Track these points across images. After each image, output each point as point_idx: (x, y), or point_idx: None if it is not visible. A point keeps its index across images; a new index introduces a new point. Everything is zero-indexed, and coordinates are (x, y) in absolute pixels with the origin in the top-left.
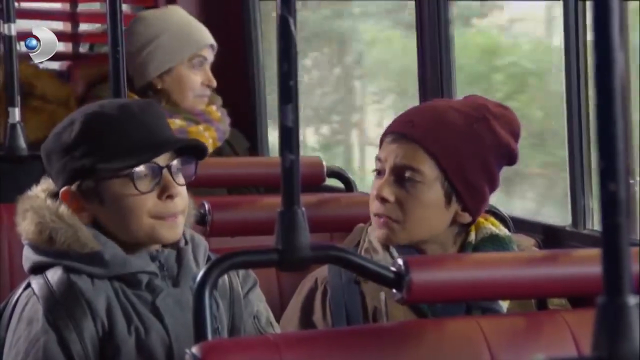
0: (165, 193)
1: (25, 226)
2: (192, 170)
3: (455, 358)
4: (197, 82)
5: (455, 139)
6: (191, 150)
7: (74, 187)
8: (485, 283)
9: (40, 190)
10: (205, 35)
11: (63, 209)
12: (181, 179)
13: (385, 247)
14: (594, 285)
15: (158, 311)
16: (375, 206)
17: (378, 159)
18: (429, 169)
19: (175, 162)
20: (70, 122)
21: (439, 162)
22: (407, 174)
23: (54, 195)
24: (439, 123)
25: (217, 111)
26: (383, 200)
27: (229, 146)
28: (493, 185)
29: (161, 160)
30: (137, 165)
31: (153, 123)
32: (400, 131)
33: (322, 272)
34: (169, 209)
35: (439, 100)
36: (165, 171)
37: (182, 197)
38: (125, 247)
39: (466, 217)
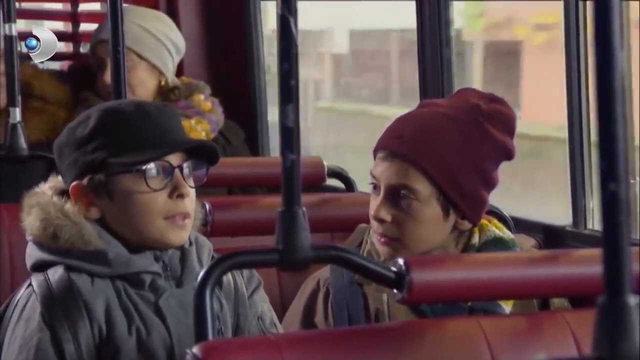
0: (175, 192)
1: (30, 222)
2: (203, 174)
3: (455, 358)
4: (103, 84)
5: (447, 151)
6: (203, 154)
7: (84, 181)
8: (485, 283)
9: (48, 187)
10: (95, 32)
11: (69, 206)
12: (192, 182)
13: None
14: (594, 285)
15: (160, 311)
16: (374, 225)
17: (372, 175)
18: (422, 187)
19: (186, 164)
20: (86, 117)
21: (433, 178)
22: (402, 192)
23: (61, 193)
24: (429, 136)
25: (206, 101)
26: (381, 221)
27: (222, 137)
28: (491, 187)
29: (173, 159)
30: (149, 161)
31: (168, 124)
32: (391, 148)
33: (324, 273)
34: (179, 207)
35: (430, 105)
36: (177, 171)
37: (191, 199)
38: (130, 246)
39: (466, 225)
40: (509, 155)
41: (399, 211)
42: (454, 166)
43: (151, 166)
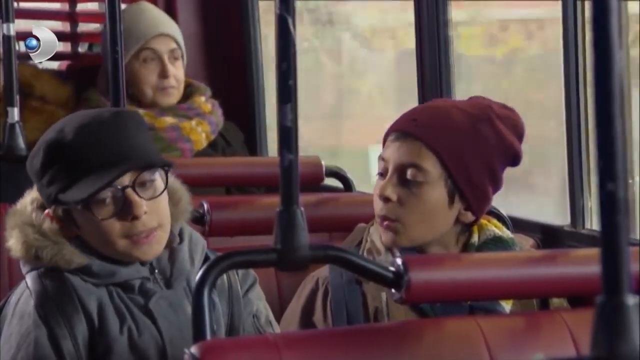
0: (129, 215)
1: (13, 244)
2: (165, 179)
3: (454, 358)
4: (149, 77)
5: (459, 137)
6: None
7: (51, 211)
8: (484, 283)
9: (29, 201)
10: (150, 27)
11: (47, 224)
12: (150, 193)
13: (388, 248)
14: (592, 285)
15: (151, 314)
16: (378, 206)
17: (381, 158)
18: (432, 167)
19: (142, 176)
20: (38, 147)
21: (443, 160)
22: (411, 172)
23: (43, 206)
24: (442, 121)
25: (207, 103)
26: (386, 199)
27: (222, 139)
28: (496, 186)
29: (123, 179)
30: (91, 197)
31: (112, 139)
32: (403, 129)
33: (323, 272)
34: (137, 228)
35: (442, 100)
36: (128, 191)
37: (154, 213)
38: (112, 258)
39: (469, 217)
40: (516, 158)
41: (406, 190)
42: (464, 153)
43: (97, 198)
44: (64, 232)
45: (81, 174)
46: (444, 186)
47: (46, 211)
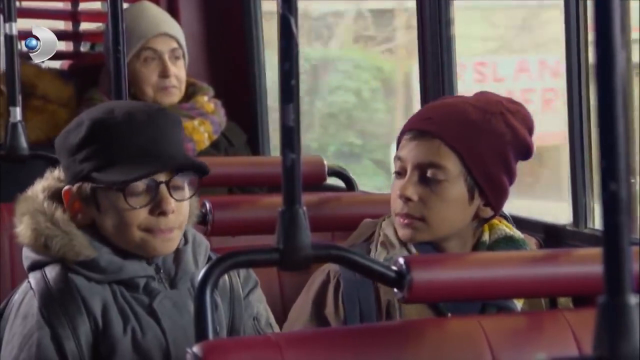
0: (157, 210)
1: (22, 231)
2: (195, 182)
3: (456, 357)
4: (150, 76)
5: (475, 133)
6: (192, 167)
7: (74, 188)
8: (486, 282)
9: (40, 189)
10: (151, 26)
11: (59, 213)
12: (180, 195)
13: (404, 242)
14: (595, 284)
15: (155, 314)
16: (398, 206)
17: (398, 158)
18: (452, 165)
19: (176, 177)
20: (79, 123)
21: (462, 157)
22: (430, 171)
23: (54, 195)
24: (458, 118)
25: (209, 102)
26: (407, 200)
27: (225, 139)
28: (512, 180)
29: (159, 175)
30: (132, 181)
31: (159, 134)
32: (420, 128)
33: (333, 265)
34: (160, 224)
35: (452, 97)
36: (162, 187)
37: (179, 213)
38: (122, 251)
39: (488, 212)
40: (528, 152)
41: (426, 189)
42: (482, 150)
43: (133, 185)
44: (79, 218)
45: (122, 158)
46: (463, 183)
47: (66, 187)
